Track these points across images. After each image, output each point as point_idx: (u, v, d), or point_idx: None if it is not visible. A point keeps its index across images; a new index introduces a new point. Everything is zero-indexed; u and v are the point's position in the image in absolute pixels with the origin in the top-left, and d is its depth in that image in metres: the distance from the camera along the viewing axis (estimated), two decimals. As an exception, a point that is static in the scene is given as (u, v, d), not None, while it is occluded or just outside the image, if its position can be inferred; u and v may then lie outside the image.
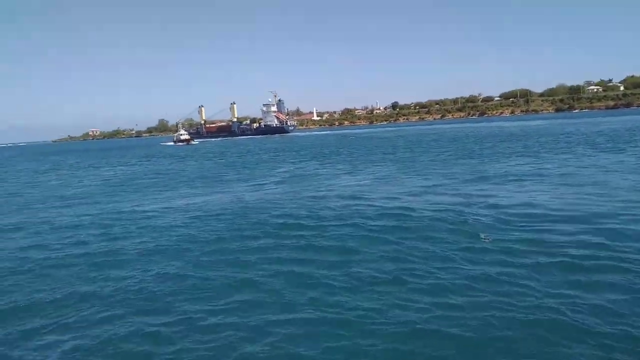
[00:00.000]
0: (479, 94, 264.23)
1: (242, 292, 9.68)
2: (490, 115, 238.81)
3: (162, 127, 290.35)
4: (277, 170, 35.28)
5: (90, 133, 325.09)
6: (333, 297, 9.11)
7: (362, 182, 25.01)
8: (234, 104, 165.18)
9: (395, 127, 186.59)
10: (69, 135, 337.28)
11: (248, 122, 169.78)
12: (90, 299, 9.72)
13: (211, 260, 11.89)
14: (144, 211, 19.49)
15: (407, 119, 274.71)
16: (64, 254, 13.32)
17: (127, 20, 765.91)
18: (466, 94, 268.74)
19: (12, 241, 15.34)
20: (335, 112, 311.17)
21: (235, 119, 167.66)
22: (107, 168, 50.36)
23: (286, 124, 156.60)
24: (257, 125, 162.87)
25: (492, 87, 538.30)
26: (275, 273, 10.67)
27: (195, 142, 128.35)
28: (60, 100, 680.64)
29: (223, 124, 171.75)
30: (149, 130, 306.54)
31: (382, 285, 9.60)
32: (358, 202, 18.57)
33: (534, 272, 9.72)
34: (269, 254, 12.15)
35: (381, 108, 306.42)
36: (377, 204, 18.00)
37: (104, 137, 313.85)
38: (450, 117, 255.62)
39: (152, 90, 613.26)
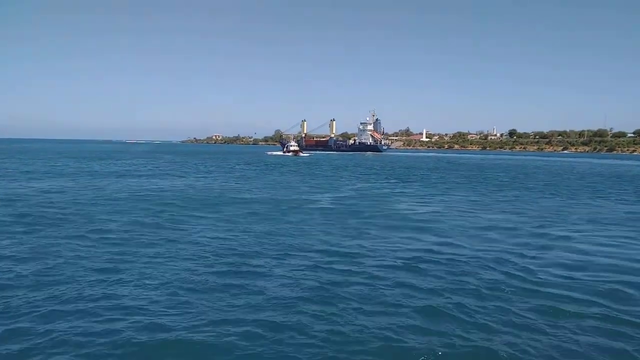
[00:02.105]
0: (610, 129, 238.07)
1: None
2: (619, 152, 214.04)
3: (278, 137, 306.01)
4: (348, 187, 36.44)
5: (214, 137, 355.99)
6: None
7: (419, 211, 24.26)
8: (334, 120, 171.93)
9: (508, 155, 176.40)
10: (194, 138, 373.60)
11: (355, 139, 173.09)
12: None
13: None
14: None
15: (524, 148, 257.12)
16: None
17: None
18: (594, 128, 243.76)
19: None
20: (446, 135, 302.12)
21: (332, 135, 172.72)
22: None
23: (380, 143, 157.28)
24: (352, 142, 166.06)
25: (626, 123, 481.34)
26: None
27: (305, 154, 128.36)
28: (189, 106, 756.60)
29: (321, 138, 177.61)
30: (265, 139, 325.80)
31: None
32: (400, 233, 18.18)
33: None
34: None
35: (497, 134, 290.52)
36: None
37: (225, 142, 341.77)
38: (572, 150, 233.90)
39: (270, 102, 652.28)
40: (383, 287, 11.21)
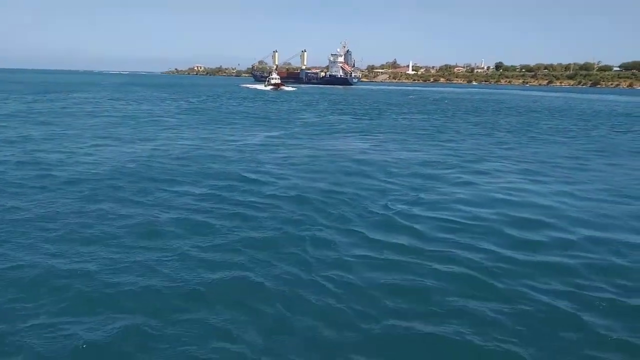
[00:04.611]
0: (598, 62, 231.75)
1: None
2: (603, 86, 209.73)
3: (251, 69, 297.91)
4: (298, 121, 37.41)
5: (195, 68, 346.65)
6: None
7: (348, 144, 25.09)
8: (304, 51, 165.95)
9: (489, 89, 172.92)
10: (175, 69, 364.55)
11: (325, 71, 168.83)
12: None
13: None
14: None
15: (509, 81, 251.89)
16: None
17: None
18: (582, 61, 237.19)
19: None
20: (433, 68, 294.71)
21: (304, 67, 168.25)
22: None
23: (350, 75, 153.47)
24: (323, 74, 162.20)
25: (616, 56, 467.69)
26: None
27: (291, 88, 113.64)
28: (173, 36, 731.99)
29: (293, 70, 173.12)
30: (248, 71, 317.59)
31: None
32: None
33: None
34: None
35: (484, 67, 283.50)
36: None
37: (207, 73, 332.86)
38: (557, 84, 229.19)
39: (252, 33, 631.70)
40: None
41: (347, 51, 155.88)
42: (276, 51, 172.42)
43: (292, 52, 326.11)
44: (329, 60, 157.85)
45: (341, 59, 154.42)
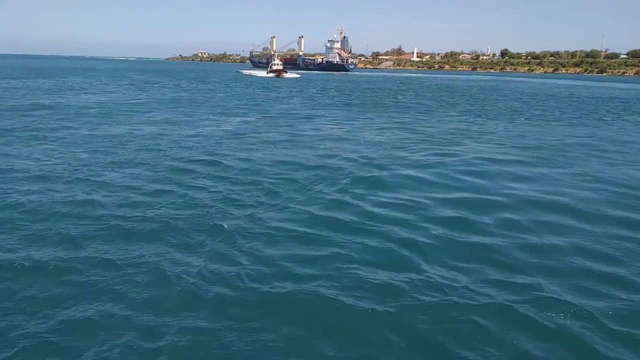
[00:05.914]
0: (606, 50, 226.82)
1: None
2: (610, 74, 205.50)
3: (264, 55, 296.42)
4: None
5: (200, 54, 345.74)
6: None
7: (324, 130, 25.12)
8: (302, 37, 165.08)
9: (494, 76, 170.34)
10: (180, 55, 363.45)
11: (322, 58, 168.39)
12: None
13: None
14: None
15: (514, 69, 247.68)
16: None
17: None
18: (589, 48, 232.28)
19: None
20: (438, 55, 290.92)
21: (301, 53, 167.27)
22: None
23: (347, 62, 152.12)
24: (320, 60, 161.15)
25: (625, 43, 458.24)
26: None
27: (295, 74, 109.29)
28: (180, 23, 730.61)
29: (290, 57, 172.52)
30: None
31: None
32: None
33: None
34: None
35: (490, 54, 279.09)
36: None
37: (210, 60, 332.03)
38: (563, 71, 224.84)
39: (257, 19, 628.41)
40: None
41: (344, 37, 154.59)
42: (274, 37, 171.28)
43: (291, 37, 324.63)
44: (326, 46, 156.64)
45: (338, 45, 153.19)
